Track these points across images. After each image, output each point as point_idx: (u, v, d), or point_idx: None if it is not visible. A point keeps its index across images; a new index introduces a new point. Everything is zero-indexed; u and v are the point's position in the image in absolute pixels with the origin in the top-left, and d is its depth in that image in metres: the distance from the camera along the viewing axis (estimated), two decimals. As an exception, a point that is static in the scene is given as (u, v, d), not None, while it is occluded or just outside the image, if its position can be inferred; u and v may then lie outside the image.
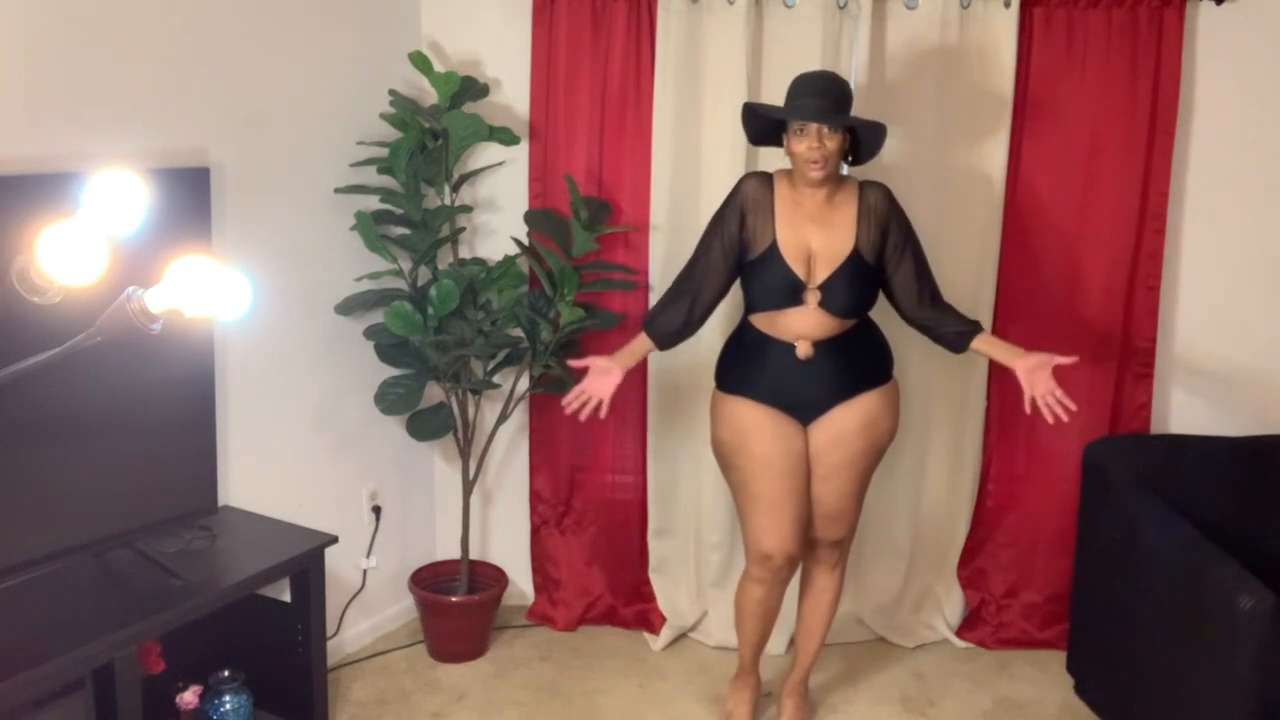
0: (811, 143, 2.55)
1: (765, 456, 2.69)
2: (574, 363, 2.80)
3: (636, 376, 3.36)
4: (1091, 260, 3.24)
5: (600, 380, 2.70)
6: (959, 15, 3.10)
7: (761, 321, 2.71)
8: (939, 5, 3.10)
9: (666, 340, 2.77)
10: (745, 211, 2.67)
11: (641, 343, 2.77)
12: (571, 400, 2.70)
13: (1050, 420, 2.60)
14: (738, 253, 2.68)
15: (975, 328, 2.71)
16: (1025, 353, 2.64)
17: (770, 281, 2.65)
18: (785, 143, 2.63)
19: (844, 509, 2.79)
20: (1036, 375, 2.60)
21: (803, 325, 2.65)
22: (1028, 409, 2.62)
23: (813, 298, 2.63)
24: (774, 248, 2.64)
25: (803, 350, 2.65)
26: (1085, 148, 3.18)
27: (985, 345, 2.71)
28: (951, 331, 2.71)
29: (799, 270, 2.63)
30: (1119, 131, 3.16)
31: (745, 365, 2.74)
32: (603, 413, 2.70)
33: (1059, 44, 3.13)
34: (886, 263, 2.68)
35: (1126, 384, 3.31)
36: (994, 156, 3.16)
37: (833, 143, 2.56)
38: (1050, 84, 3.16)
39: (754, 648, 2.93)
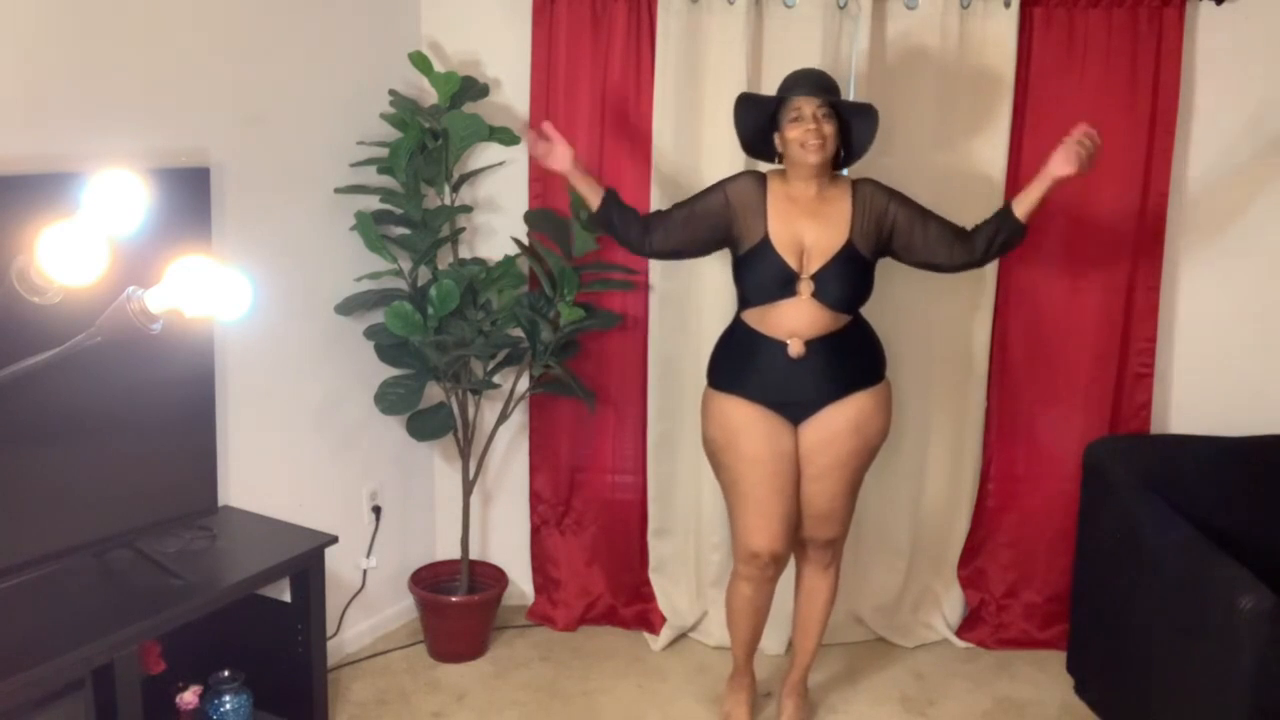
0: (808, 124, 2.59)
1: (754, 455, 2.70)
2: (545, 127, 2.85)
3: (636, 376, 3.37)
4: (1091, 260, 3.24)
5: (556, 156, 2.79)
6: (959, 15, 3.10)
7: (754, 318, 2.71)
8: (939, 5, 3.10)
9: (604, 210, 2.80)
10: (730, 198, 2.69)
11: (596, 190, 2.80)
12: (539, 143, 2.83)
13: (1093, 147, 2.57)
14: (709, 224, 2.71)
15: (1007, 208, 2.67)
16: (1047, 165, 2.61)
17: (762, 272, 2.66)
18: (779, 141, 2.68)
19: (834, 509, 2.79)
20: (1064, 149, 2.58)
21: (796, 320, 2.65)
22: (1066, 151, 2.57)
23: (805, 288, 2.63)
24: (765, 240, 2.65)
25: (795, 348, 2.65)
26: (1085, 148, 3.18)
27: (1025, 204, 2.64)
28: (1002, 235, 2.67)
29: (791, 261, 2.63)
30: (1119, 131, 3.15)
31: (736, 363, 2.75)
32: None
33: (1059, 44, 3.13)
34: (907, 238, 2.68)
35: (1126, 384, 3.32)
36: (993, 156, 3.16)
37: (828, 126, 2.60)
38: (1050, 84, 3.16)
39: (746, 646, 2.93)
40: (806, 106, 2.61)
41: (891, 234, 2.68)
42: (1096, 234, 3.23)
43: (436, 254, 3.15)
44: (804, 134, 2.60)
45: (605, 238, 3.22)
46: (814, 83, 2.65)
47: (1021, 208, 2.64)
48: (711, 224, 2.72)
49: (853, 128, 2.69)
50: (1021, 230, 2.66)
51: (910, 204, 2.70)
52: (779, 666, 3.25)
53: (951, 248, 2.70)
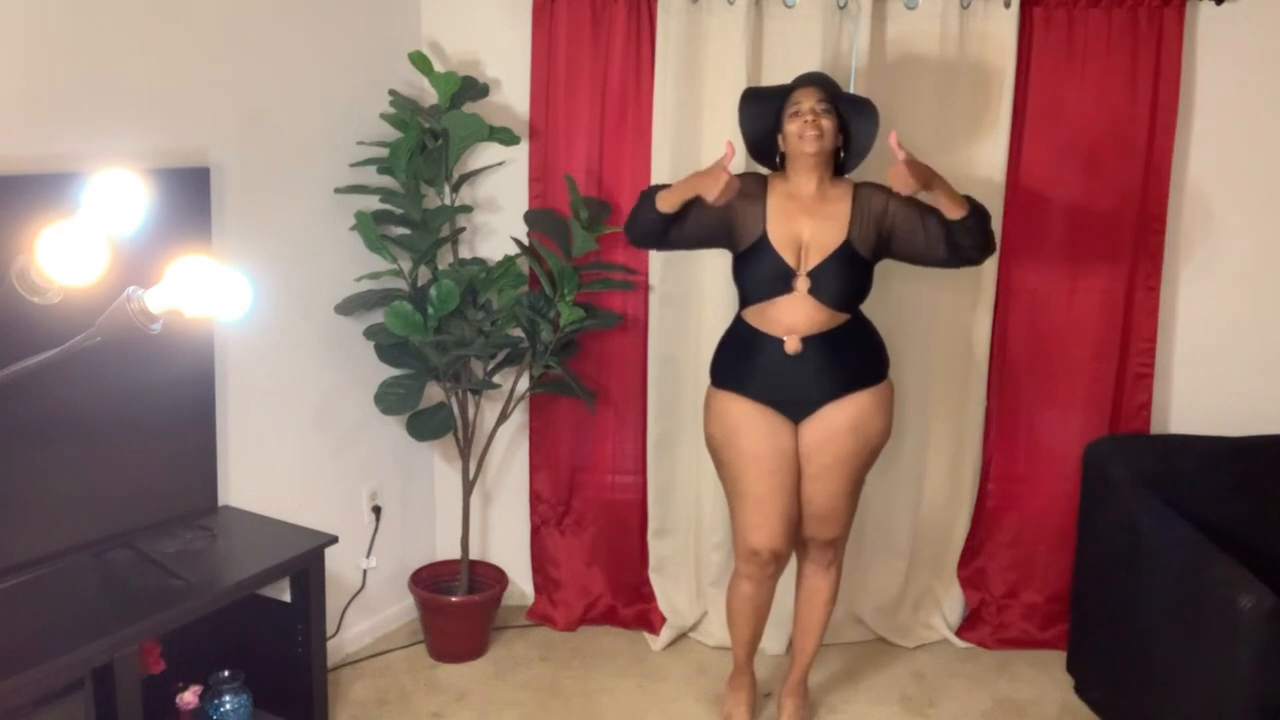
0: (806, 117, 2.62)
1: (754, 453, 2.70)
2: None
3: (636, 376, 3.37)
4: (1091, 260, 3.24)
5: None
6: (959, 15, 3.10)
7: (753, 316, 2.72)
8: (939, 5, 3.10)
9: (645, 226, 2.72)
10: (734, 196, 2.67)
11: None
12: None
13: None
14: (717, 216, 2.66)
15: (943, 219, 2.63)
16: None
17: (760, 270, 2.67)
18: (781, 139, 2.71)
19: (834, 509, 2.79)
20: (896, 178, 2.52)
21: (793, 317, 2.65)
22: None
23: (802, 284, 2.64)
24: (764, 238, 2.66)
25: (791, 345, 2.65)
26: (1085, 148, 3.18)
27: (943, 207, 2.60)
28: (966, 238, 2.64)
29: (789, 258, 2.64)
30: (1119, 131, 3.16)
31: (737, 361, 2.75)
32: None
33: (1059, 44, 3.13)
34: (908, 237, 2.64)
35: (1126, 384, 3.32)
36: (993, 156, 3.16)
37: (826, 121, 2.62)
38: (1050, 84, 3.16)
39: (746, 646, 2.93)
40: (805, 100, 2.64)
41: (891, 234, 2.68)
42: (1096, 234, 3.23)
43: (436, 254, 3.15)
44: (802, 126, 2.62)
45: (605, 238, 3.23)
46: (814, 80, 2.69)
47: (947, 211, 2.59)
48: (717, 217, 2.68)
49: (853, 128, 2.69)
50: (962, 224, 2.58)
51: (910, 201, 2.69)
52: (779, 666, 3.25)
53: (948, 243, 2.67)
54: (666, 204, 2.65)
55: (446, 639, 3.34)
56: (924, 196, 2.59)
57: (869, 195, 2.68)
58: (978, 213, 2.61)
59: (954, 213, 2.58)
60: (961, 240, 2.61)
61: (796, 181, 2.69)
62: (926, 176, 2.52)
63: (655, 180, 3.19)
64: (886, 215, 2.66)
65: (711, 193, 2.53)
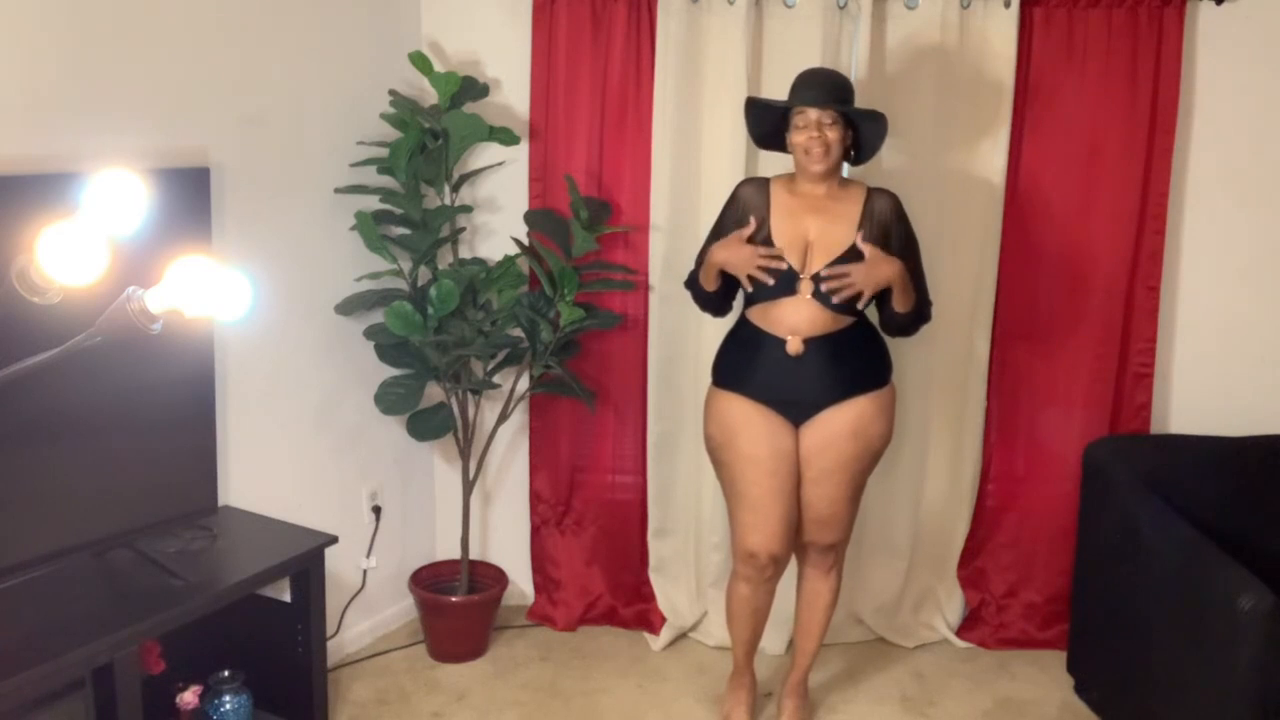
0: (811, 132, 2.59)
1: (753, 455, 2.70)
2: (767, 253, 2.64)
3: (636, 376, 3.37)
4: (1091, 260, 3.24)
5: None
6: (959, 15, 3.10)
7: (757, 316, 2.71)
8: (939, 5, 3.10)
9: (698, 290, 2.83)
10: (741, 201, 2.71)
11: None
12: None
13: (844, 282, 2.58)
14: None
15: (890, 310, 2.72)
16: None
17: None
18: (788, 141, 2.68)
19: (834, 513, 2.78)
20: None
21: (797, 319, 2.65)
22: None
23: (806, 287, 2.63)
24: (768, 240, 2.65)
25: (793, 346, 2.65)
26: (1085, 148, 3.18)
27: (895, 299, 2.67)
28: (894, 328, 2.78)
29: (793, 260, 2.63)
30: (1119, 131, 3.16)
31: (739, 361, 2.75)
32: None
33: (1059, 44, 3.13)
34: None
35: (1126, 384, 3.32)
36: (994, 157, 3.16)
37: (833, 133, 2.59)
38: (1050, 84, 3.16)
39: (745, 646, 2.93)
40: (812, 113, 2.60)
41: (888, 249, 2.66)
42: (1097, 234, 3.23)
43: (436, 254, 3.15)
44: (808, 140, 2.60)
45: (605, 238, 3.24)
46: (822, 88, 2.61)
47: (895, 303, 2.67)
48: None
49: (862, 130, 2.68)
50: (900, 316, 2.69)
51: (906, 244, 2.68)
52: (779, 666, 3.25)
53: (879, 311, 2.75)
54: (710, 284, 2.74)
55: (446, 639, 3.34)
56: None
57: (882, 206, 2.66)
58: (917, 319, 2.73)
59: (900, 306, 2.66)
60: (888, 324, 2.74)
61: (804, 185, 2.68)
62: (888, 279, 2.59)
63: (654, 180, 3.20)
64: (890, 235, 2.66)
65: (747, 269, 2.63)
